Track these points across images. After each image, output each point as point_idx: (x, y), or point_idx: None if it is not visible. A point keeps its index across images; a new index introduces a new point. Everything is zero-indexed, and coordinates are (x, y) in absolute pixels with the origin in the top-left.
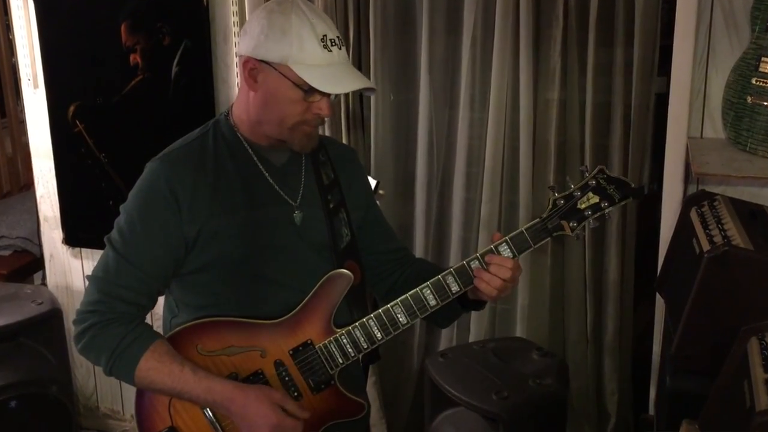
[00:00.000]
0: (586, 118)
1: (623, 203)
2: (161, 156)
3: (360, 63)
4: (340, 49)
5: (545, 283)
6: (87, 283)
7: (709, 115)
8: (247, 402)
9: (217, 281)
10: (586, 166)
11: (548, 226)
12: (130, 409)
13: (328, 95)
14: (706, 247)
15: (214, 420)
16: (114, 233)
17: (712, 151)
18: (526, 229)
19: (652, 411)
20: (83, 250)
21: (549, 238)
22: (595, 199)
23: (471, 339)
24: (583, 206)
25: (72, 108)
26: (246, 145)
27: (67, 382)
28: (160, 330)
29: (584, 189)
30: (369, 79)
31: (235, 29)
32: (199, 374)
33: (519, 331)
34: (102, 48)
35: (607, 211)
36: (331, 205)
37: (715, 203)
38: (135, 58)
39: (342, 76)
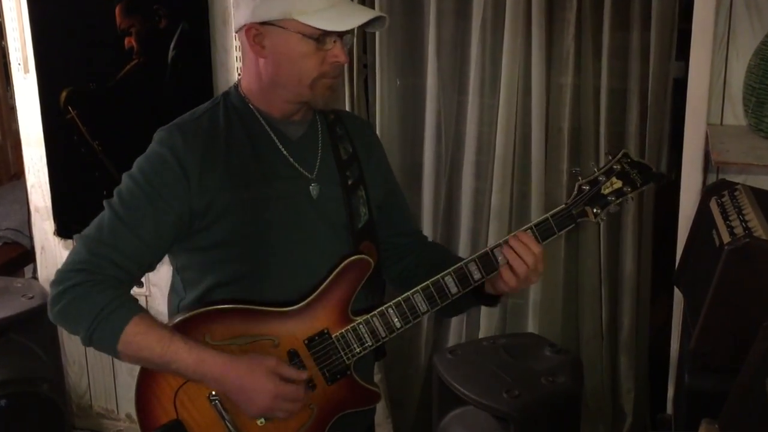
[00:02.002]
0: (601, 104)
1: (645, 187)
2: (171, 126)
3: (365, 46)
4: None
5: (558, 276)
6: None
7: (730, 101)
8: (240, 374)
9: (228, 259)
10: (610, 151)
11: (573, 212)
12: (125, 408)
13: (341, 38)
14: (726, 238)
15: (223, 412)
16: (114, 197)
17: (733, 139)
18: (551, 216)
19: (669, 410)
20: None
21: (574, 225)
22: (618, 184)
23: (481, 335)
24: (607, 191)
25: (64, 94)
26: (259, 116)
27: (59, 380)
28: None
29: (609, 173)
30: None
31: (233, 11)
32: (190, 344)
33: (531, 327)
34: (95, 31)
35: (629, 196)
36: (350, 182)
37: (736, 193)
38: (130, 42)
39: (349, 12)
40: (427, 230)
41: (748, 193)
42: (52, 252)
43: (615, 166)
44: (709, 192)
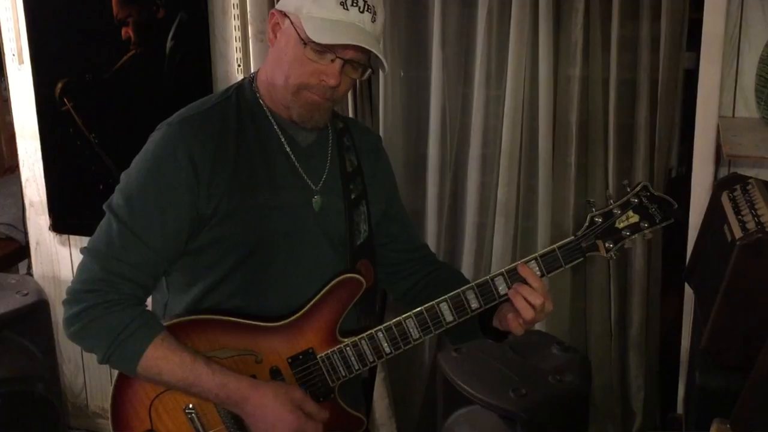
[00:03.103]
0: (610, 96)
1: (663, 225)
2: (179, 119)
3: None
4: (362, 12)
5: (566, 272)
6: (82, 255)
7: (742, 93)
8: (264, 401)
9: (221, 263)
10: (629, 182)
11: (582, 245)
12: None
13: (343, 62)
14: (738, 234)
15: (199, 426)
16: (118, 201)
17: (745, 132)
18: (558, 247)
19: (680, 410)
20: (71, 237)
21: (582, 258)
22: (635, 219)
23: None
24: (622, 225)
25: (60, 85)
26: (271, 117)
27: (55, 378)
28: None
29: (625, 207)
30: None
31: (233, 1)
32: (213, 367)
33: (538, 324)
34: (92, 21)
35: (645, 231)
36: (353, 196)
37: (748, 187)
38: (127, 32)
39: (346, 31)
40: (431, 225)
41: (761, 187)
42: (47, 247)
43: (633, 199)
44: (720, 186)
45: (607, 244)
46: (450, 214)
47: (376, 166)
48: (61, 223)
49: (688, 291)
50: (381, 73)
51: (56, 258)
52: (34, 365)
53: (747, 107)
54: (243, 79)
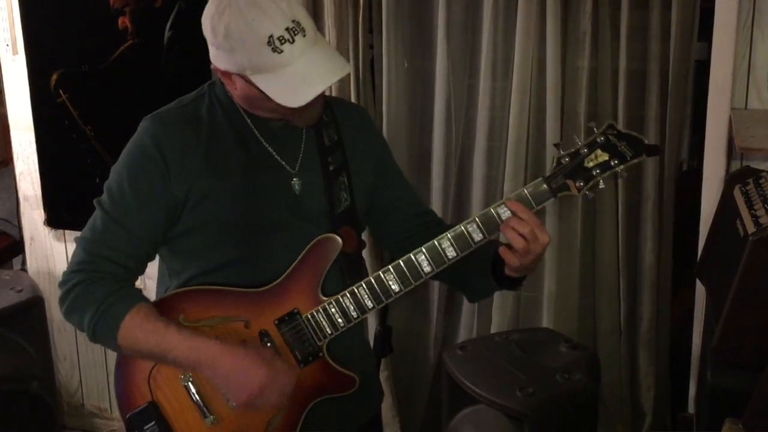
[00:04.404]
0: (620, 87)
1: (636, 161)
2: (154, 114)
3: (371, 26)
4: (292, 41)
5: (574, 268)
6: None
7: (755, 84)
8: (234, 361)
9: (206, 247)
10: (596, 124)
11: (551, 185)
12: None
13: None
14: (751, 228)
15: (195, 395)
16: (104, 194)
17: (758, 124)
18: (526, 189)
19: (691, 409)
20: (67, 232)
21: (553, 198)
22: (604, 157)
23: (493, 330)
24: (591, 164)
25: (55, 76)
26: (242, 110)
27: (50, 377)
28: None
29: (592, 146)
30: (345, 60)
31: None
32: (184, 333)
33: (545, 321)
34: (88, 10)
35: (618, 169)
36: (331, 168)
37: (761, 181)
38: (124, 22)
39: (303, 79)
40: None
41: None
42: (41, 243)
43: (599, 138)
44: (732, 179)
45: (578, 183)
46: (455, 208)
47: (359, 137)
48: (56, 218)
49: (700, 287)
50: (384, 64)
51: (51, 253)
52: (29, 363)
53: (760, 99)
54: (215, 77)
